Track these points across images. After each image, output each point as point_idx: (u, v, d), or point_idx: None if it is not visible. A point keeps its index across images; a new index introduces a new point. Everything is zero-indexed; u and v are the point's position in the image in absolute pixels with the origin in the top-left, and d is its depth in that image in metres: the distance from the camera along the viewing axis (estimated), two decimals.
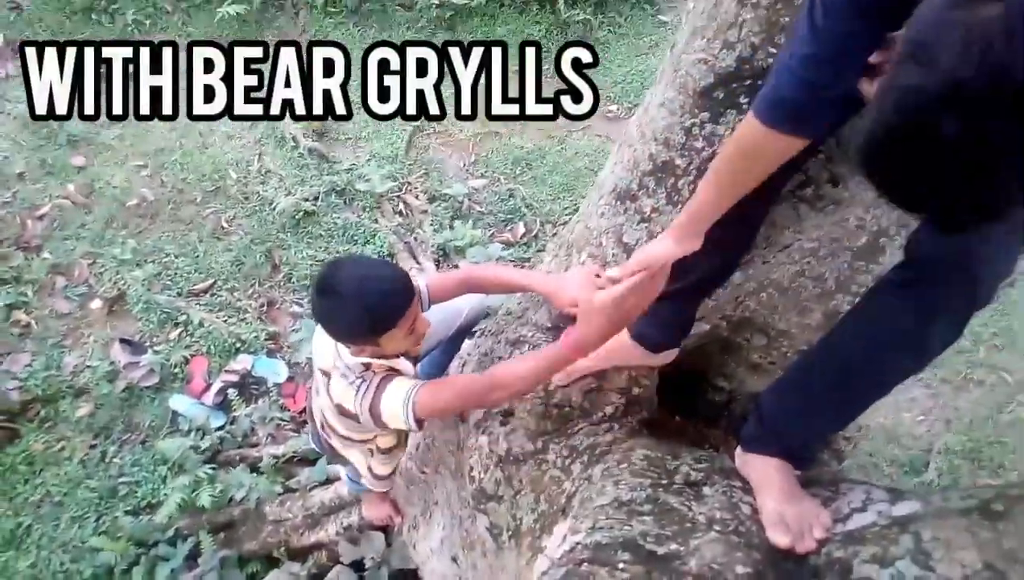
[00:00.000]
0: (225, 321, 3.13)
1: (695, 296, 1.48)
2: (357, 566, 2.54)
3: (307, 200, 3.43)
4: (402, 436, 1.87)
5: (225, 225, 3.39)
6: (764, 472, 1.27)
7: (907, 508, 1.12)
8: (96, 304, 3.15)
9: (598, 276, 1.54)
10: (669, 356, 1.57)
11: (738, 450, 1.34)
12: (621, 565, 1.10)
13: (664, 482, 1.31)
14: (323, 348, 1.63)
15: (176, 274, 3.25)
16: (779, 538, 1.14)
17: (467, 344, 2.05)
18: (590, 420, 1.54)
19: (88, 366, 2.97)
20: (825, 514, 1.17)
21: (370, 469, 1.91)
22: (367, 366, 1.57)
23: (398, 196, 3.57)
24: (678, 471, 1.35)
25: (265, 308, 3.20)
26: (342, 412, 1.59)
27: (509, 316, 1.85)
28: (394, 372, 1.57)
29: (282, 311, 3.22)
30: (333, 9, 4.16)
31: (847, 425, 1.28)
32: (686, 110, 1.44)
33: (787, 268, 1.56)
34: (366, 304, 1.45)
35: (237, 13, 3.92)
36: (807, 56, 0.94)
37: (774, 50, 1.31)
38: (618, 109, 4.10)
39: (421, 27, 4.21)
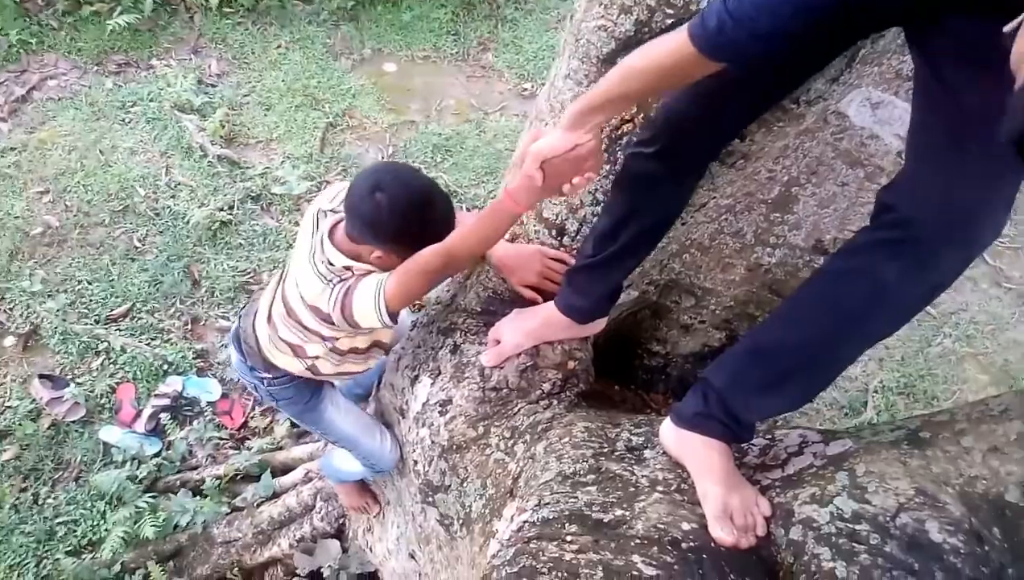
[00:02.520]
0: (148, 344, 3.01)
1: (623, 263, 1.46)
2: (315, 576, 2.49)
3: (222, 209, 3.32)
4: (366, 342, 1.74)
5: (138, 244, 3.26)
6: (706, 456, 1.19)
7: (840, 446, 1.14)
8: (9, 341, 2.99)
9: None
10: (598, 325, 1.57)
11: (667, 424, 1.27)
12: (569, 538, 1.09)
13: (606, 450, 1.30)
14: (304, 243, 1.58)
15: (91, 301, 3.10)
16: (724, 535, 1.08)
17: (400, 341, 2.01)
18: (528, 399, 1.53)
19: (8, 407, 2.83)
20: (764, 502, 1.13)
21: (315, 364, 1.75)
22: (348, 268, 1.51)
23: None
24: (619, 438, 1.35)
25: (190, 326, 3.09)
26: (317, 315, 1.55)
27: (439, 305, 1.82)
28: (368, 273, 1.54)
29: (208, 327, 3.11)
30: (229, 9, 4.03)
31: (810, 400, 1.20)
32: (591, 79, 1.43)
33: (706, 226, 1.57)
34: (426, 213, 1.44)
35: (128, 24, 3.76)
36: None
37: (670, 11, 1.30)
38: (532, 86, 4.09)
39: (323, 20, 4.11)
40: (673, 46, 1.03)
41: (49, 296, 3.07)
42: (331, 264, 1.50)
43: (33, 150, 3.47)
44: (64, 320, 3.01)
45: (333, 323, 1.52)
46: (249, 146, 3.64)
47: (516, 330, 1.56)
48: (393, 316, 1.47)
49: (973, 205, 0.95)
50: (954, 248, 0.97)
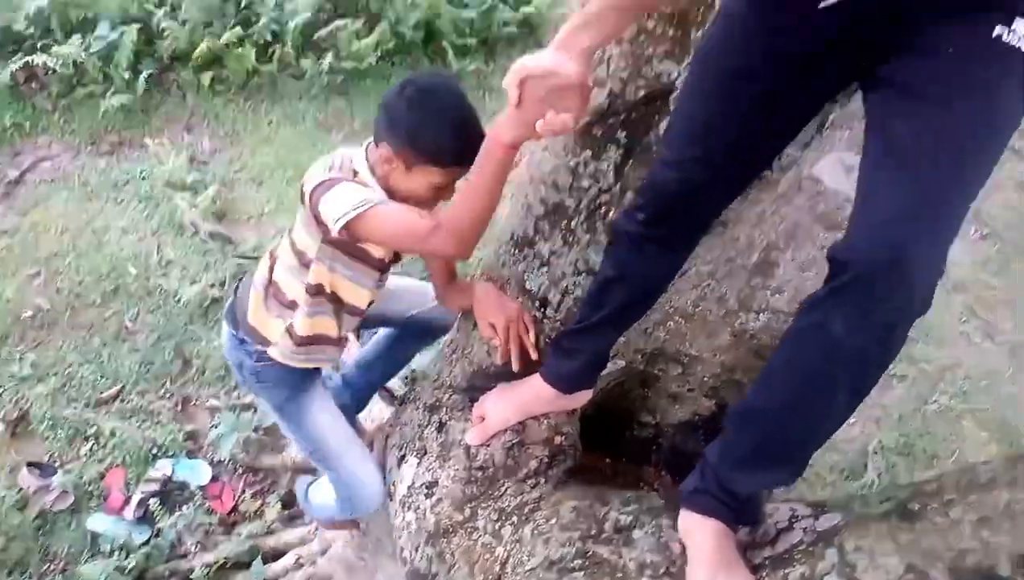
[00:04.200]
0: (139, 427, 2.97)
1: (609, 330, 1.44)
2: None
3: (213, 286, 3.31)
4: (325, 321, 1.67)
5: (129, 325, 3.24)
6: (701, 537, 1.15)
7: (830, 521, 1.11)
8: None
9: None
10: (584, 397, 1.55)
11: (682, 512, 1.21)
12: None
13: (593, 533, 1.27)
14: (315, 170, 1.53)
15: (81, 384, 3.07)
16: None
17: (384, 412, 1.98)
18: (515, 478, 1.50)
19: None
20: None
21: (292, 322, 1.66)
22: (356, 172, 1.50)
23: None
24: (607, 518, 1.32)
25: (180, 407, 3.05)
26: (298, 230, 1.54)
27: (426, 381, 1.80)
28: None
29: (199, 407, 3.08)
30: (220, 87, 4.10)
31: (801, 473, 1.15)
32: (568, 150, 1.45)
33: (688, 293, 1.57)
34: (464, 131, 1.40)
35: (122, 104, 3.83)
36: None
37: (642, 82, 1.33)
38: (519, 155, 4.14)
39: (314, 95, 4.19)
40: None
41: (39, 380, 3.04)
42: (340, 168, 1.49)
43: (26, 232, 3.49)
44: (53, 405, 2.97)
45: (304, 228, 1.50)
46: (241, 222, 3.66)
47: (501, 405, 1.54)
48: (347, 233, 1.40)
49: (901, 229, 0.92)
50: (891, 285, 0.93)
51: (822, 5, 0.97)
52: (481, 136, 1.36)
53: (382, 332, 2.14)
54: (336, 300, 1.61)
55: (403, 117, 1.42)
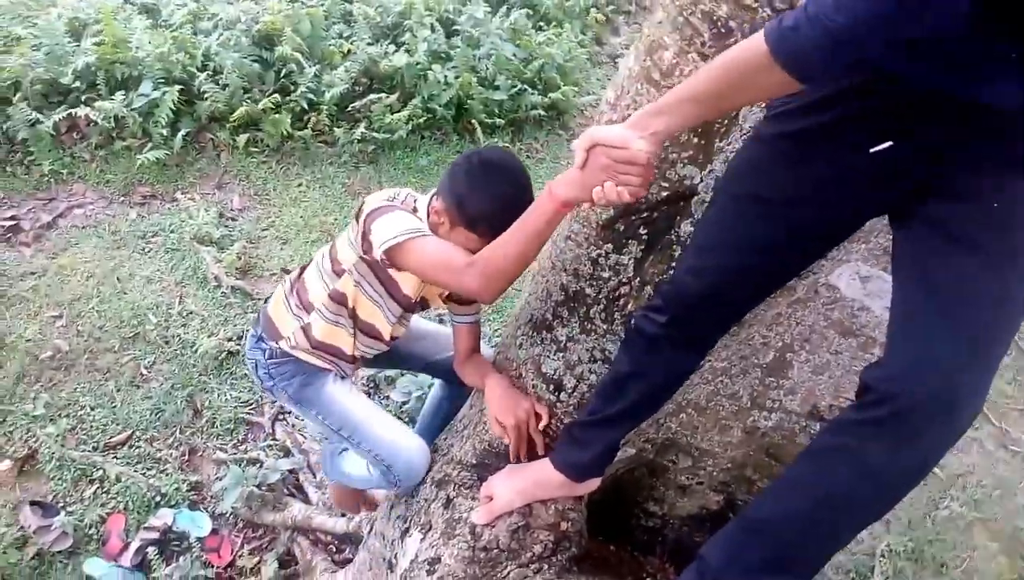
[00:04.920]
0: (144, 474, 2.97)
1: (623, 423, 1.46)
2: None
3: (231, 339, 3.36)
4: (343, 334, 1.70)
5: (144, 371, 3.28)
6: None
7: None
8: (5, 465, 2.96)
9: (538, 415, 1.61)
10: (593, 485, 1.55)
11: None
12: None
13: None
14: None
15: (92, 427, 3.09)
16: None
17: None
18: (519, 561, 1.49)
19: None
20: None
21: (309, 322, 1.70)
22: (415, 210, 1.59)
23: None
24: None
25: (186, 457, 3.06)
26: (340, 247, 1.62)
27: (436, 453, 1.81)
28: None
29: (205, 458, 3.08)
30: (255, 149, 4.22)
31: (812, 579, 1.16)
32: (591, 242, 1.49)
33: (702, 388, 1.59)
34: (507, 209, 1.41)
35: (157, 159, 3.94)
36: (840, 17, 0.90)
37: (666, 184, 1.38)
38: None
39: (344, 161, 4.30)
40: (748, 43, 1.01)
41: (51, 420, 3.06)
42: (404, 200, 1.60)
43: (52, 275, 3.56)
44: (62, 445, 2.99)
45: (356, 245, 1.56)
46: (263, 278, 3.73)
47: (509, 487, 1.55)
48: (387, 258, 1.47)
49: (950, 370, 0.95)
50: (936, 424, 0.96)
51: (873, 150, 1.03)
52: (517, 200, 1.43)
53: (433, 394, 2.20)
54: (354, 316, 1.68)
55: (458, 181, 1.52)
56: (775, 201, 1.15)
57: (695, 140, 1.32)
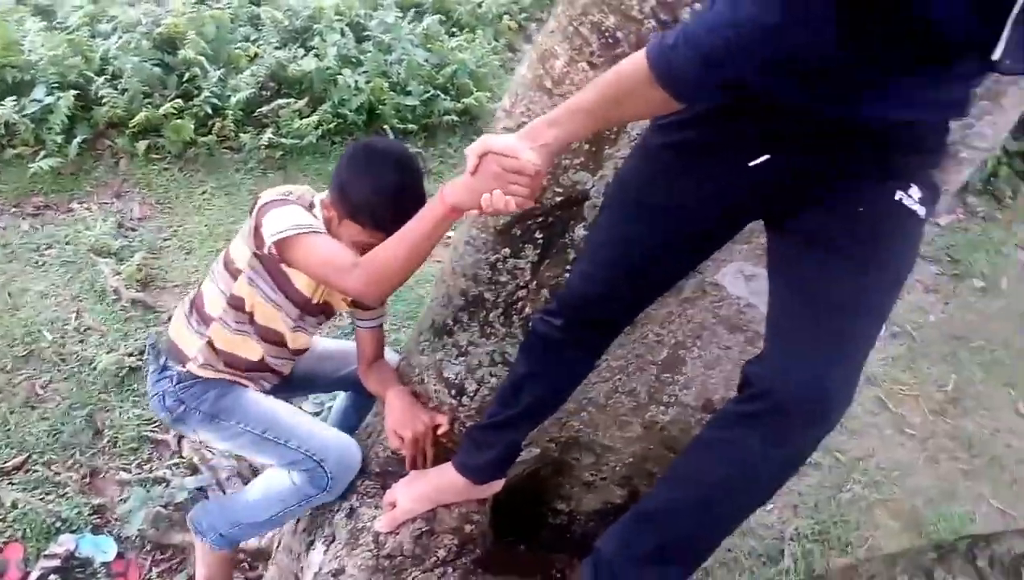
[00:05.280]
0: (42, 499, 2.83)
1: (522, 424, 1.48)
2: None
3: (131, 355, 3.23)
4: (249, 342, 1.65)
5: (40, 391, 3.13)
6: None
7: None
8: None
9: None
10: (495, 487, 1.57)
11: None
12: None
13: None
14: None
15: None
16: None
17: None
18: (423, 567, 1.49)
19: None
20: None
21: (211, 336, 1.65)
22: (311, 206, 1.54)
23: None
24: None
25: (88, 479, 2.93)
26: (236, 247, 1.56)
27: None
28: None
29: (108, 480, 2.96)
30: (156, 156, 4.08)
31: (696, 568, 1.19)
32: (489, 247, 1.51)
33: (601, 386, 1.62)
34: (393, 202, 1.42)
35: (51, 167, 3.77)
36: (720, 33, 0.94)
37: (560, 190, 1.41)
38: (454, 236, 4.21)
39: (251, 168, 4.20)
40: (632, 60, 1.04)
41: None
42: (301, 196, 1.55)
43: None
44: None
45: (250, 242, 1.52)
46: (166, 290, 3.61)
47: (411, 493, 1.55)
48: (276, 251, 1.43)
49: (820, 373, 1.00)
50: (807, 419, 1.01)
51: (752, 164, 1.09)
52: (406, 203, 1.41)
53: (338, 403, 2.16)
54: (253, 321, 1.63)
55: (342, 171, 1.49)
56: (659, 209, 1.19)
57: (586, 147, 1.35)
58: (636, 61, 1.02)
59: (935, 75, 0.98)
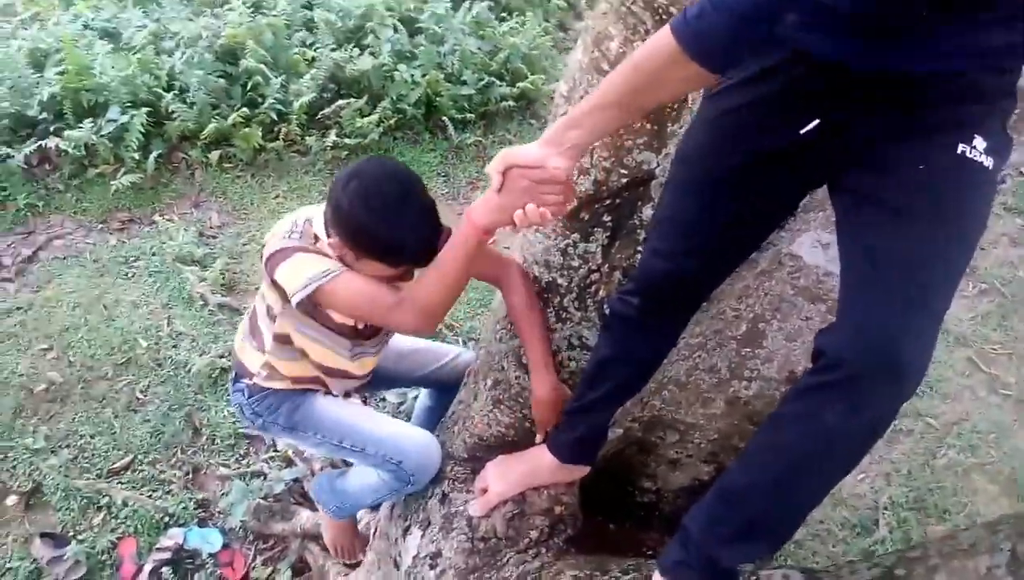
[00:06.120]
0: (150, 496, 3.00)
1: (609, 405, 1.50)
2: None
3: (222, 356, 3.38)
4: (307, 365, 1.64)
5: (140, 396, 3.30)
6: None
7: None
8: (11, 500, 2.98)
9: None
10: (584, 470, 1.59)
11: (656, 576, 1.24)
12: None
13: None
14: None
15: (94, 455, 3.12)
16: None
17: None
18: (517, 548, 1.53)
19: (8, 568, 2.79)
20: None
21: (268, 359, 1.65)
22: (318, 238, 1.45)
23: None
24: None
25: (191, 476, 3.09)
26: (264, 300, 1.52)
27: None
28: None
29: (209, 475, 3.11)
30: (228, 164, 4.23)
31: (785, 542, 1.19)
32: (558, 233, 1.52)
33: (680, 364, 1.62)
34: (411, 233, 1.34)
35: (132, 183, 3.95)
36: None
37: (624, 171, 1.41)
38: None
39: (319, 169, 4.31)
40: (656, 40, 1.02)
41: (52, 452, 3.08)
42: (304, 232, 1.45)
43: (38, 308, 3.57)
44: (66, 476, 3.01)
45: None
46: (249, 293, 3.74)
47: (503, 476, 1.58)
48: (309, 304, 1.38)
49: (893, 333, 0.98)
50: (883, 386, 0.99)
51: (803, 131, 1.07)
52: (434, 233, 1.37)
53: (420, 401, 2.18)
54: (306, 356, 1.60)
55: (347, 214, 1.36)
56: (721, 181, 1.18)
57: (648, 127, 1.35)
58: (661, 40, 1.00)
59: (980, 20, 0.94)
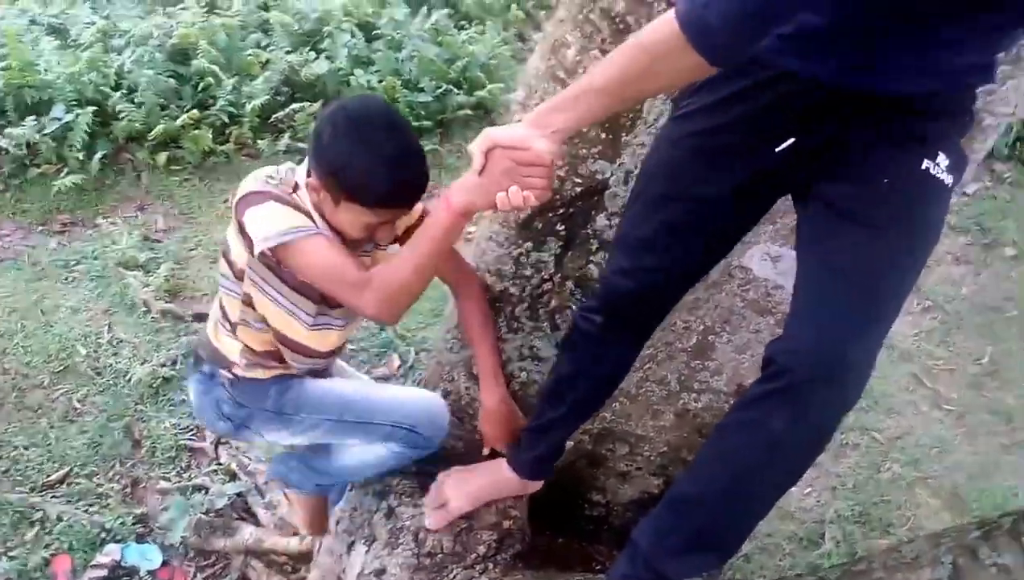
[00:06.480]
0: (86, 511, 2.89)
1: (572, 422, 1.50)
2: None
3: (164, 365, 3.28)
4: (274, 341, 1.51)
5: (77, 405, 3.18)
6: None
7: None
8: None
9: None
10: (539, 483, 1.57)
11: None
12: None
13: None
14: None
15: (27, 467, 2.99)
16: None
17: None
18: (464, 563, 1.50)
19: None
20: None
21: (241, 354, 1.53)
22: (296, 186, 1.34)
23: None
24: None
25: (129, 489, 2.98)
26: (228, 259, 1.39)
27: None
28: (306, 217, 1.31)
29: (148, 489, 3.01)
30: (176, 167, 4.12)
31: (733, 554, 1.18)
32: (511, 241, 1.51)
33: (631, 376, 1.61)
34: (395, 170, 1.24)
35: (75, 184, 3.83)
36: None
37: (579, 180, 1.40)
38: (475, 230, 4.22)
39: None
40: (656, 26, 0.99)
41: None
42: (284, 178, 1.35)
43: None
44: None
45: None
46: (195, 299, 3.65)
47: (461, 490, 1.55)
48: (271, 256, 1.29)
49: (839, 341, 0.99)
50: (827, 393, 1.00)
51: (778, 149, 1.08)
52: (419, 176, 1.30)
53: None
54: (267, 323, 1.47)
55: (327, 147, 1.27)
56: (688, 200, 1.18)
57: (603, 136, 1.35)
58: (662, 27, 0.98)
59: (957, 41, 0.96)
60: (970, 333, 4.06)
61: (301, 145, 4.22)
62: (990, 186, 4.96)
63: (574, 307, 1.49)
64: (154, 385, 3.24)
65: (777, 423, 1.02)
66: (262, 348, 1.51)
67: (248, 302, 1.45)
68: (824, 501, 3.30)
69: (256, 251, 1.29)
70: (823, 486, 3.33)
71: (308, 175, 1.35)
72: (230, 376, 1.55)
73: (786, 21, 0.95)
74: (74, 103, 3.95)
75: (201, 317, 3.52)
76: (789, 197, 1.21)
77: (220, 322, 1.55)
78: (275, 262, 1.35)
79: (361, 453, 1.65)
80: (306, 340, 1.50)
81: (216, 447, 3.07)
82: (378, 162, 1.26)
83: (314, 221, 1.33)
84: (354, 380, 1.68)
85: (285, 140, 4.18)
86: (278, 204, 1.30)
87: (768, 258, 1.42)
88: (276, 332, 1.49)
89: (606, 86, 1.05)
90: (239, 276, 1.43)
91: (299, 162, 1.40)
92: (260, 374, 1.54)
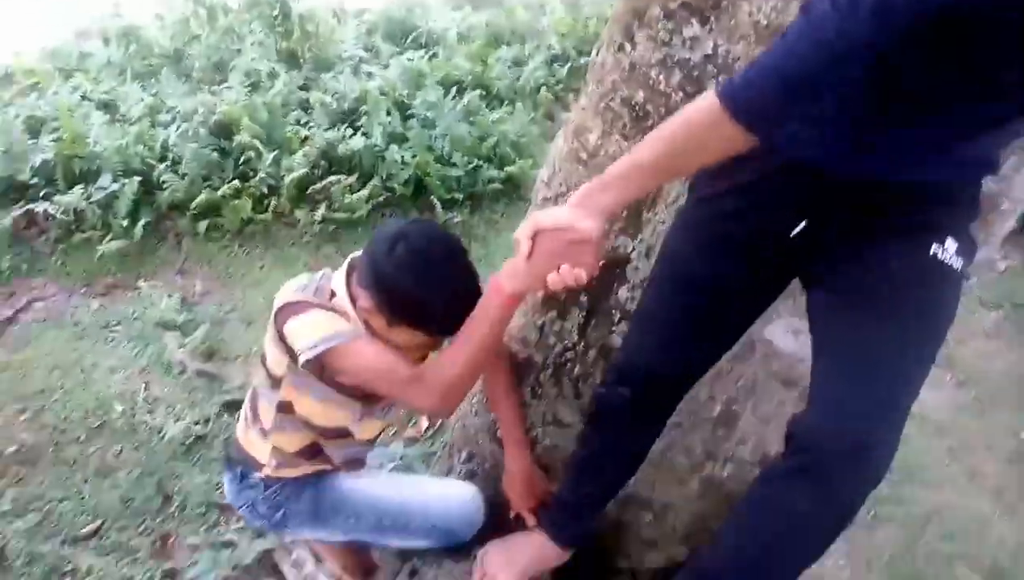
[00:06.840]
0: (116, 564, 2.91)
1: (610, 494, 1.54)
2: None
3: (198, 423, 3.34)
4: (305, 444, 1.53)
5: (112, 460, 3.24)
6: None
7: None
8: None
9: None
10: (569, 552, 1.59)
11: None
12: None
13: None
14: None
15: (61, 520, 3.03)
16: None
17: None
18: None
19: None
20: None
21: (275, 443, 1.54)
22: (333, 294, 1.35)
23: None
24: None
25: (158, 544, 3.01)
26: (265, 367, 1.39)
27: None
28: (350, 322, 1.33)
29: (178, 544, 3.03)
30: (216, 234, 4.27)
31: None
32: (536, 310, 1.56)
33: (656, 444, 1.63)
34: (456, 303, 1.27)
35: (118, 249, 3.97)
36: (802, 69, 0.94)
37: (601, 252, 1.45)
38: None
39: (306, 242, 4.37)
40: (697, 106, 1.03)
41: (18, 515, 3.00)
42: (320, 287, 1.37)
43: (15, 370, 3.53)
44: (31, 540, 2.92)
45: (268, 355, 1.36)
46: (229, 361, 3.73)
47: (508, 563, 1.56)
48: (315, 364, 1.28)
49: (861, 421, 1.02)
50: (851, 472, 1.02)
51: (792, 234, 1.14)
52: (475, 301, 1.31)
53: None
54: (309, 425, 1.49)
55: (389, 278, 1.31)
56: (708, 280, 1.25)
57: (624, 212, 1.41)
58: (703, 106, 1.02)
59: (965, 132, 1.01)
60: (1005, 408, 4.00)
61: (336, 216, 4.36)
62: (1018, 263, 4.95)
63: (597, 376, 1.54)
64: (187, 442, 3.30)
65: (800, 500, 1.04)
66: (294, 448, 1.53)
67: (285, 408, 1.47)
68: (859, 575, 3.22)
69: (302, 360, 1.31)
70: (858, 559, 3.26)
71: (348, 285, 1.39)
72: (262, 476, 1.55)
73: (816, 98, 0.98)
74: (120, 173, 4.13)
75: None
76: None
77: (251, 424, 1.56)
78: (319, 367, 1.36)
79: (399, 543, 1.66)
80: (351, 428, 1.53)
81: None
82: (439, 298, 1.32)
83: (354, 324, 1.36)
84: (386, 477, 1.68)
85: (321, 211, 4.31)
86: (320, 311, 1.33)
87: (790, 332, 1.46)
88: (320, 428, 1.50)
89: (656, 161, 1.10)
90: (276, 384, 1.44)
91: (332, 266, 1.44)
92: (292, 472, 1.54)
